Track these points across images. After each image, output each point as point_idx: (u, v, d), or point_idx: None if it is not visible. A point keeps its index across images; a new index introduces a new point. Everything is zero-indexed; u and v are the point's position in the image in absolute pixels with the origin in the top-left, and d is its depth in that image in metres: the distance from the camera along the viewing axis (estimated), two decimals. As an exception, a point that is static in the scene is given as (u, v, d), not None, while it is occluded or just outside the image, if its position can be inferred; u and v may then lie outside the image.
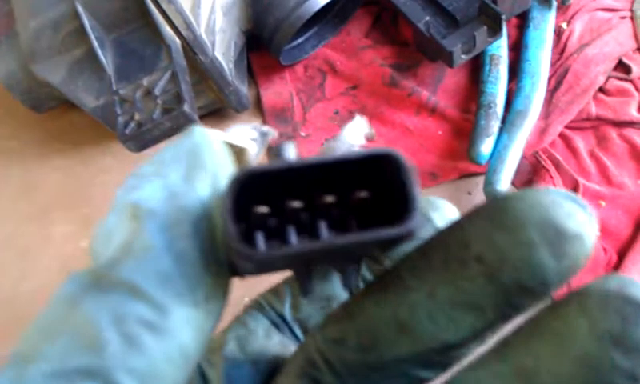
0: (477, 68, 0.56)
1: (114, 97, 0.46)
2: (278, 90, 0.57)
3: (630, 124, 0.53)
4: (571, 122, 0.53)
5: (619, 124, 0.53)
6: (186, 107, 0.45)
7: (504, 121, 0.51)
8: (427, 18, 0.52)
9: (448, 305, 0.15)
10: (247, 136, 0.21)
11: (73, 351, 0.14)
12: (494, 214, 0.15)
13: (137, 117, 0.45)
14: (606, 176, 0.52)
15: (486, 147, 0.50)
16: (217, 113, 0.56)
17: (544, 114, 0.53)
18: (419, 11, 0.53)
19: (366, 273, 0.20)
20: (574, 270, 0.15)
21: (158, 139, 0.46)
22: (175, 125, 0.45)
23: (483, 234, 0.15)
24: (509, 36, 0.57)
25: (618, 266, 0.47)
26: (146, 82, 0.46)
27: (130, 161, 0.49)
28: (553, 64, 0.55)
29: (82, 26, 0.47)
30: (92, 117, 0.50)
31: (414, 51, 0.58)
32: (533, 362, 0.14)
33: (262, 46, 0.56)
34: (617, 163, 0.52)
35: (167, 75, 0.46)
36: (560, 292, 0.15)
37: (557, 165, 0.52)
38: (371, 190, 0.17)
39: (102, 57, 0.47)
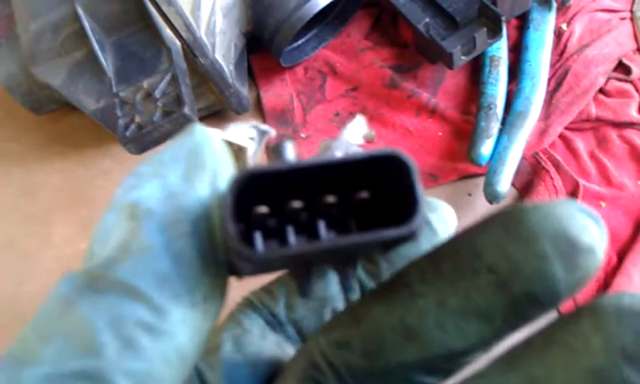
0: (477, 69, 0.56)
1: (115, 99, 0.46)
2: (279, 92, 0.57)
3: (630, 125, 0.53)
4: (571, 123, 0.53)
5: (619, 125, 0.53)
6: (187, 109, 0.45)
7: (504, 122, 0.51)
8: (427, 20, 0.52)
9: (457, 313, 0.15)
10: (246, 135, 0.20)
11: (68, 353, 0.14)
12: (508, 224, 0.15)
13: (137, 119, 0.45)
14: (606, 177, 0.52)
15: (486, 148, 0.50)
16: (217, 115, 0.56)
17: (544, 115, 0.53)
18: (419, 13, 0.53)
19: (361, 273, 0.20)
20: (584, 282, 0.15)
21: (158, 141, 0.46)
22: (175, 127, 0.45)
23: (496, 244, 0.15)
24: (509, 37, 0.57)
25: (617, 267, 0.47)
26: (146, 84, 0.46)
27: (131, 163, 0.49)
28: (553, 65, 0.55)
29: (82, 28, 0.47)
30: (92, 119, 0.50)
31: (414, 53, 0.58)
32: (544, 373, 0.14)
33: (262, 47, 0.57)
34: (617, 164, 0.52)
35: (167, 77, 0.46)
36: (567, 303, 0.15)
37: (557, 166, 0.52)
38: (372, 190, 0.17)
39: (102, 59, 0.47)
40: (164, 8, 0.46)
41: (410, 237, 0.16)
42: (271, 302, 0.22)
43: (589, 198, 0.50)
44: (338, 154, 0.18)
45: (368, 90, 0.57)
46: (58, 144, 0.57)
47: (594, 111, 0.54)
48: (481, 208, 0.51)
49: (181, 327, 0.15)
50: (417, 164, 0.16)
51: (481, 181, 0.50)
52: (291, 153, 0.18)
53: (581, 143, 0.53)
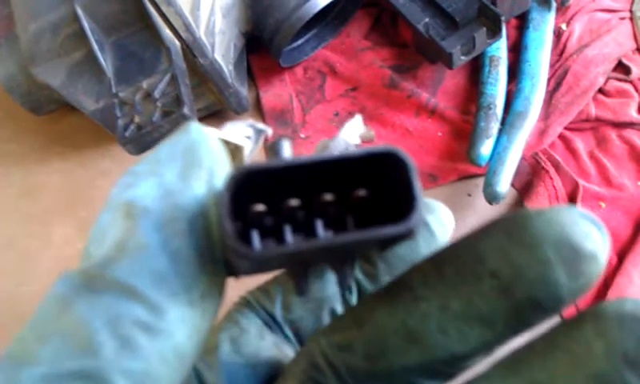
0: (476, 69, 0.56)
1: (114, 100, 0.46)
2: (278, 92, 0.57)
3: (630, 125, 0.53)
4: (571, 123, 0.53)
5: (619, 125, 0.53)
6: (186, 110, 0.45)
7: (504, 122, 0.51)
8: (426, 20, 0.52)
9: (460, 317, 0.16)
10: (242, 133, 0.20)
11: (66, 353, 0.14)
12: (511, 229, 0.15)
13: (136, 119, 0.45)
14: (605, 177, 0.52)
15: (485, 149, 0.50)
16: (217, 115, 0.56)
17: (543, 116, 0.53)
18: (418, 13, 0.53)
19: (359, 274, 0.20)
20: (587, 288, 0.15)
21: (157, 142, 0.45)
22: (175, 127, 0.45)
23: (499, 250, 0.15)
24: (508, 37, 0.57)
25: (617, 267, 0.47)
26: (145, 84, 0.46)
27: (130, 164, 0.49)
28: (552, 65, 0.55)
29: (81, 28, 0.47)
30: (92, 120, 0.50)
31: (414, 53, 0.58)
32: (547, 378, 0.15)
33: (262, 47, 0.57)
34: (616, 164, 0.52)
35: (167, 78, 0.46)
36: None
37: (556, 166, 0.52)
38: (370, 188, 0.17)
39: (101, 59, 0.47)
40: (163, 8, 0.46)
41: (408, 235, 0.15)
42: (268, 303, 0.22)
43: (588, 199, 0.50)
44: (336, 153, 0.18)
45: (368, 90, 0.57)
46: (57, 144, 0.57)
47: (593, 111, 0.54)
48: (481, 208, 0.51)
49: (179, 326, 0.15)
50: (416, 164, 0.16)
51: (480, 181, 0.50)
52: (288, 151, 0.18)
53: (580, 143, 0.53)
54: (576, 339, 0.14)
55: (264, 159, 0.17)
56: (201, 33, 0.48)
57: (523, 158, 0.51)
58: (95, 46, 0.47)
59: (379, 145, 0.16)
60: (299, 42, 0.58)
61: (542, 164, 0.52)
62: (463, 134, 0.53)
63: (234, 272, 0.17)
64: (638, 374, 0.13)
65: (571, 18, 0.58)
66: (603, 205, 0.50)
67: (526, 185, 0.52)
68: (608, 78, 0.55)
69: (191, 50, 0.48)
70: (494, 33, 0.50)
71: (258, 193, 0.16)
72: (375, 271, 0.20)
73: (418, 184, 0.15)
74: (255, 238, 0.17)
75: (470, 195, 0.52)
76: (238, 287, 0.20)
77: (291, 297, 0.21)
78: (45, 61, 0.48)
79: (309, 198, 0.17)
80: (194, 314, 0.16)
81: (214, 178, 0.17)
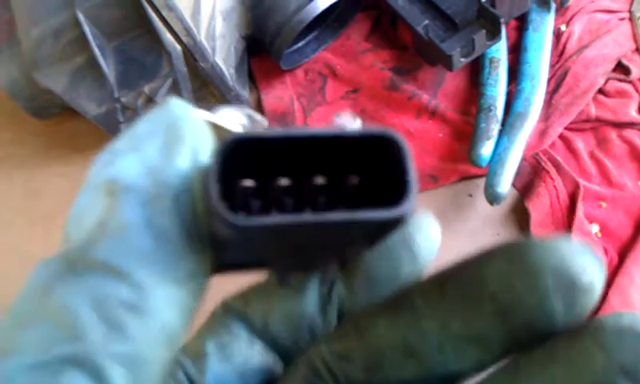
0: (476, 71, 0.56)
1: (116, 104, 0.46)
2: (279, 95, 0.58)
3: (630, 125, 0.53)
4: (571, 123, 0.54)
5: (619, 125, 0.53)
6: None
7: (504, 123, 0.51)
8: (426, 22, 0.53)
9: (458, 337, 0.16)
10: (236, 120, 0.20)
11: (52, 340, 0.14)
12: (513, 256, 0.15)
13: (138, 124, 0.45)
14: (606, 177, 0.52)
15: (486, 150, 0.50)
16: (218, 118, 0.56)
17: (544, 116, 0.53)
18: (418, 15, 0.53)
19: (339, 292, 0.20)
20: (581, 317, 0.15)
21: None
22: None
23: (501, 275, 0.15)
24: (508, 38, 0.57)
25: (618, 266, 0.48)
26: (147, 89, 0.46)
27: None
28: (552, 66, 0.55)
29: (82, 34, 0.47)
30: (94, 123, 0.50)
31: (414, 55, 0.58)
32: None
33: (263, 50, 0.57)
34: (617, 164, 0.52)
35: (168, 82, 0.46)
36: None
37: (557, 166, 0.52)
38: (363, 174, 0.17)
39: (103, 64, 0.47)
40: (164, 13, 0.46)
41: (399, 222, 0.15)
42: (249, 311, 0.21)
43: (589, 199, 0.50)
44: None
45: (368, 92, 0.57)
46: (60, 148, 0.57)
47: (593, 111, 0.54)
48: (482, 209, 0.51)
49: (166, 305, 0.15)
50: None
51: (481, 182, 0.50)
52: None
53: (581, 143, 0.53)
54: (576, 350, 0.15)
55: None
56: (201, 37, 0.48)
57: (524, 159, 0.51)
58: (97, 51, 0.47)
59: (375, 127, 0.16)
60: (300, 44, 0.58)
61: (543, 164, 0.52)
62: (464, 135, 0.54)
63: (219, 262, 0.17)
64: (633, 382, 0.14)
65: (571, 19, 0.58)
66: (604, 204, 0.51)
67: (526, 185, 0.52)
68: (608, 79, 0.55)
69: (192, 54, 0.48)
70: (494, 34, 0.50)
71: (247, 169, 0.16)
72: (355, 289, 0.20)
73: (412, 169, 0.15)
74: (240, 213, 0.15)
75: (471, 196, 0.52)
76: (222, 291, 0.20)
77: (270, 311, 0.20)
78: (47, 66, 0.48)
79: (299, 180, 0.16)
80: (181, 292, 0.15)
81: (197, 154, 0.16)
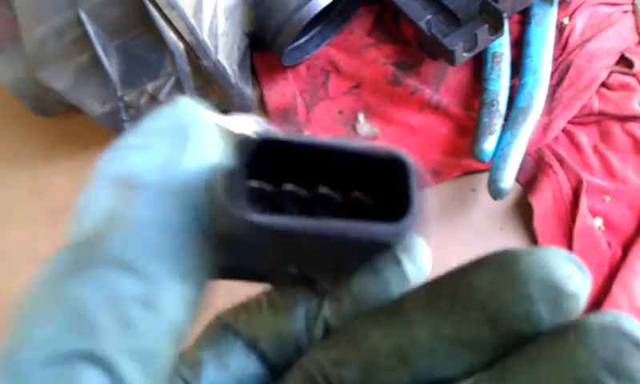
0: (479, 65, 0.56)
1: (120, 103, 0.46)
2: (282, 90, 0.58)
3: (633, 118, 0.53)
4: (574, 117, 0.53)
5: (622, 118, 0.53)
6: (190, 112, 0.45)
7: (507, 118, 0.51)
8: (428, 17, 0.52)
9: (449, 343, 0.16)
10: (249, 127, 0.20)
11: (65, 335, 0.14)
12: (502, 266, 0.16)
13: (142, 122, 0.45)
14: (609, 171, 0.52)
15: (489, 144, 0.50)
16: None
17: (547, 110, 0.53)
18: (420, 10, 0.53)
19: (326, 311, 0.20)
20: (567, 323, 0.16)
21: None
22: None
23: (490, 284, 0.16)
24: (510, 33, 0.57)
25: (622, 260, 0.48)
26: (150, 87, 0.46)
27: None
28: (555, 60, 0.55)
29: (85, 32, 0.47)
30: (98, 121, 0.50)
31: (417, 49, 0.58)
32: (532, 383, 0.16)
33: (265, 46, 0.57)
34: (620, 158, 0.52)
35: (171, 81, 0.46)
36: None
37: (560, 160, 0.52)
38: (371, 193, 0.17)
39: (106, 63, 0.48)
40: (166, 11, 0.46)
41: (397, 238, 0.16)
42: (240, 326, 0.21)
43: (593, 192, 0.50)
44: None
45: (371, 87, 0.57)
46: (65, 144, 0.57)
47: (596, 105, 0.54)
48: (485, 204, 0.51)
49: (175, 301, 0.15)
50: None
51: (484, 176, 0.50)
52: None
53: (584, 137, 0.53)
54: (560, 348, 0.15)
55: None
56: (204, 35, 0.48)
57: (527, 153, 0.51)
58: (100, 50, 0.47)
59: (387, 146, 0.16)
60: (302, 40, 0.58)
61: (546, 159, 0.52)
62: (467, 129, 0.54)
63: (224, 264, 0.17)
64: (617, 379, 0.15)
65: (573, 13, 0.58)
66: (607, 198, 0.51)
67: (530, 180, 0.52)
68: (611, 72, 0.55)
69: (195, 53, 0.48)
70: (496, 29, 0.50)
71: (258, 170, 0.16)
72: (343, 306, 0.20)
73: (417, 189, 0.16)
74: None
75: (474, 191, 0.52)
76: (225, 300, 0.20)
77: (259, 329, 0.20)
78: (50, 65, 0.48)
79: (308, 188, 0.17)
80: (189, 289, 0.15)
81: (205, 153, 0.17)
